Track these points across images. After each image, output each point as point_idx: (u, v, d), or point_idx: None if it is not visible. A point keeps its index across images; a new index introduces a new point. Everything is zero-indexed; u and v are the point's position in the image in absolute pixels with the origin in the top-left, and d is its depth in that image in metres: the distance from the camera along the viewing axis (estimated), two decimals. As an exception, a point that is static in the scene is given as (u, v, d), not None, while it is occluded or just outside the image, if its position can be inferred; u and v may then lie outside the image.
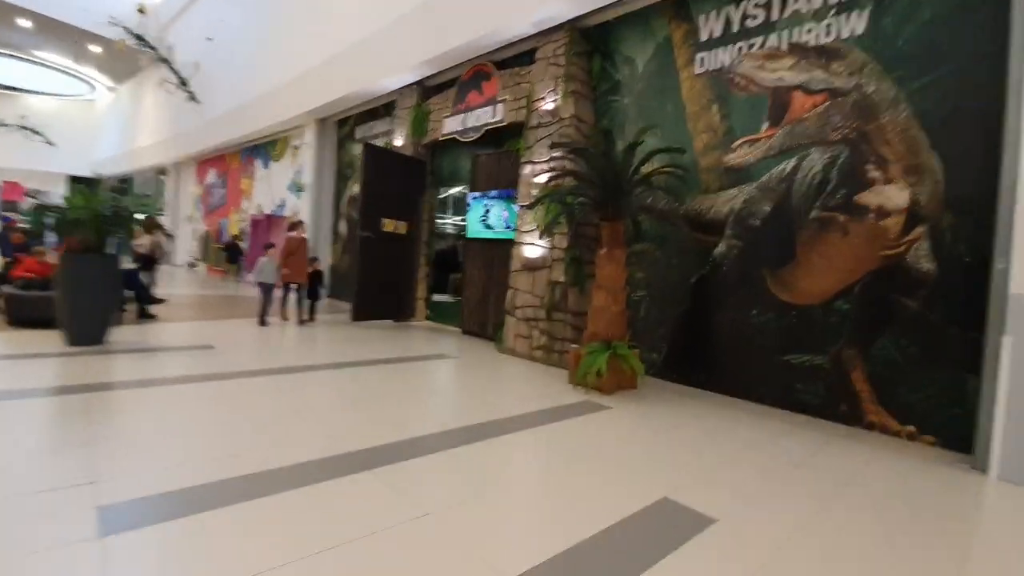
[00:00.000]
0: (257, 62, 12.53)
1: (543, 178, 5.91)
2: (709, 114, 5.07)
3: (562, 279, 5.56)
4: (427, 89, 8.41)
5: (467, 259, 7.42)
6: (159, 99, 18.92)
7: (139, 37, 15.62)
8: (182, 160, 18.81)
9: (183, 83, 15.38)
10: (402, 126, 8.56)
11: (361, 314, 7.47)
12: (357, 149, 10.53)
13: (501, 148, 7.02)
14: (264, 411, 3.44)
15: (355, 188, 10.53)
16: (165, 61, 15.68)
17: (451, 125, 7.66)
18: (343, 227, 11.05)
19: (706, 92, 5.11)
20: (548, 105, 5.95)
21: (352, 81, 9.03)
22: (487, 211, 7.00)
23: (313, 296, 7.81)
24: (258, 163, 14.61)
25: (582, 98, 5.89)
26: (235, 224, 15.80)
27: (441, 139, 7.86)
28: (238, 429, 3.07)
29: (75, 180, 25.32)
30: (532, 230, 5.95)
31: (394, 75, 8.22)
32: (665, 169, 4.62)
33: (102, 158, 25.13)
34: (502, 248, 6.81)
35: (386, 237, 7.71)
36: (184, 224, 19.45)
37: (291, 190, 12.47)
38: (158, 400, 3.53)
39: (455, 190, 8.87)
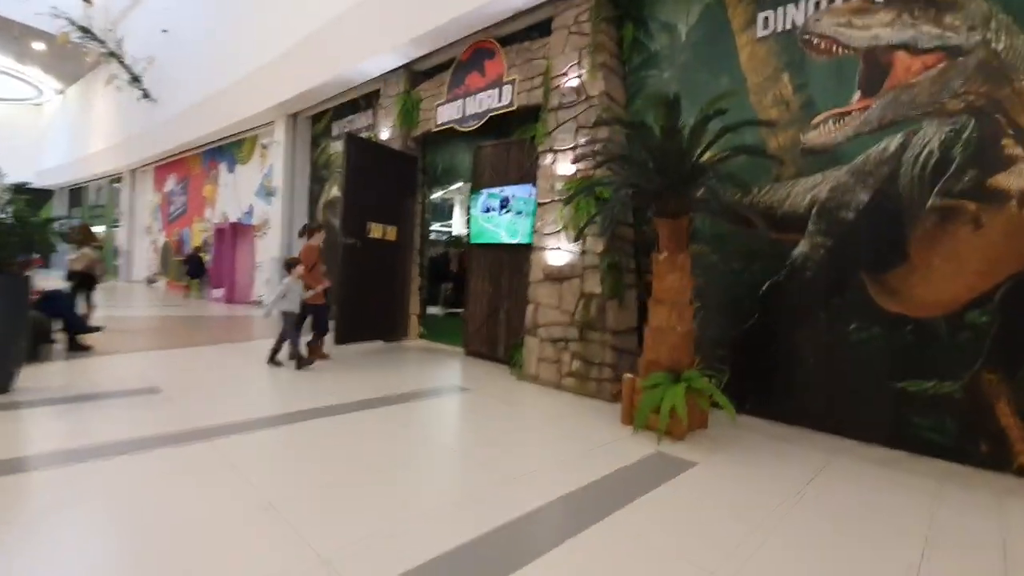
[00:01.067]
0: (219, 52, 11.24)
1: (568, 168, 4.90)
2: (778, 85, 4.15)
3: (598, 291, 4.56)
4: (416, 75, 7.35)
5: (470, 268, 6.36)
6: (110, 100, 17.33)
7: (84, 29, 14.11)
8: (138, 166, 17.22)
9: (135, 79, 13.92)
10: (388, 117, 7.46)
11: (345, 336, 6.32)
12: (335, 147, 9.40)
13: (508, 137, 6.00)
14: (216, 507, 2.31)
15: (333, 191, 9.38)
16: (114, 55, 14.19)
17: (447, 113, 6.61)
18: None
19: (773, 59, 4.19)
20: (571, 82, 4.96)
21: (327, 67, 7.89)
22: (494, 211, 5.95)
23: (325, 324, 5.81)
24: (222, 167, 13.26)
25: (612, 73, 4.92)
26: (198, 234, 14.38)
27: (435, 130, 6.79)
28: (174, 547, 1.95)
29: (18, 191, 23.23)
30: (557, 232, 4.94)
31: (377, 57, 7.13)
32: (743, 149, 3.66)
33: (50, 167, 23.16)
34: (515, 254, 5.78)
35: (373, 244, 6.60)
36: (142, 236, 17.82)
37: (260, 195, 11.20)
38: (54, 492, 2.37)
39: (453, 187, 7.80)
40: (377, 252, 6.68)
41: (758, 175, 4.14)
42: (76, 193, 25.29)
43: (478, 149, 6.25)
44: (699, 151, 3.55)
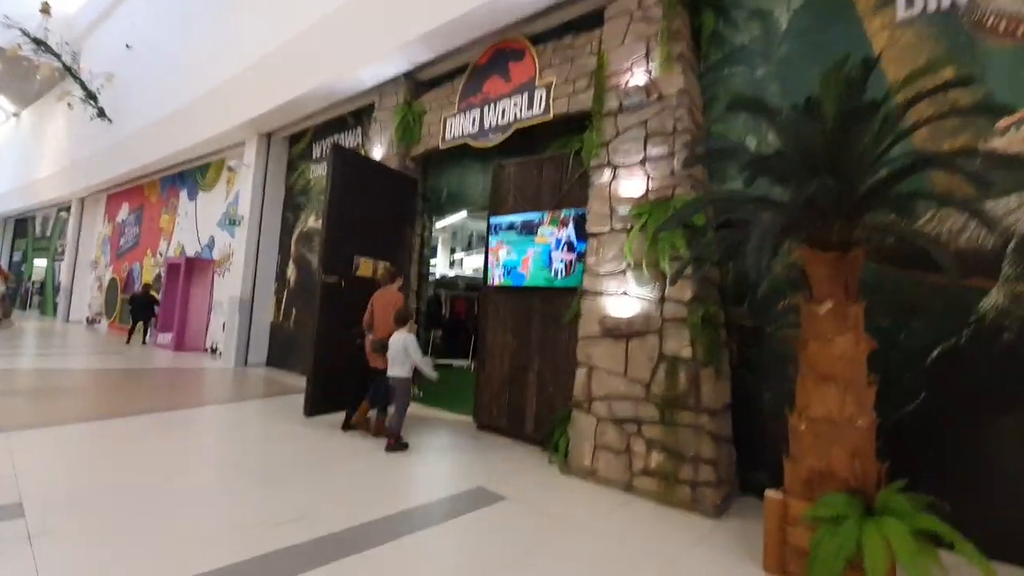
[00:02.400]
0: (185, 64, 9.97)
1: (635, 186, 3.70)
2: (936, 79, 3.08)
3: (686, 353, 3.26)
4: (418, 85, 6.20)
5: (485, 316, 5.00)
6: (62, 121, 15.77)
7: (39, 41, 12.72)
8: (88, 193, 15.49)
9: (90, 96, 12.47)
10: (383, 134, 6.24)
11: (320, 403, 4.81)
12: (315, 172, 8.09)
13: (537, 153, 4.81)
14: None
15: (310, 221, 8.00)
16: (68, 70, 12.77)
17: (459, 126, 5.43)
18: (291, 271, 8.38)
19: (926, 46, 3.14)
20: (637, 79, 3.83)
21: (309, 76, 6.69)
22: (521, 243, 4.68)
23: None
24: (183, 194, 11.76)
25: (689, 68, 3.82)
26: (150, 270, 12.65)
27: (442, 147, 5.58)
28: None
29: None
30: (620, 271, 3.67)
31: (373, 63, 5.97)
32: (958, 150, 2.51)
33: (-6, 194, 21.08)
34: (550, 299, 4.48)
35: (360, 285, 5.21)
36: (86, 271, 15.87)
37: (223, 225, 9.71)
38: None
39: (454, 218, 6.56)
40: (365, 294, 5.27)
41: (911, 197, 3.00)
42: (22, 224, 23.13)
43: (499, 169, 5.03)
44: (879, 152, 2.38)
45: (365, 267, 5.31)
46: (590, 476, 3.57)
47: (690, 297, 3.33)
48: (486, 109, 5.18)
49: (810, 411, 2.45)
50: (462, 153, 5.73)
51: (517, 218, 4.74)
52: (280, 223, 8.75)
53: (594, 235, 3.90)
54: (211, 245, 10.40)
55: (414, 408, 5.56)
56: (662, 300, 3.44)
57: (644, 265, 3.48)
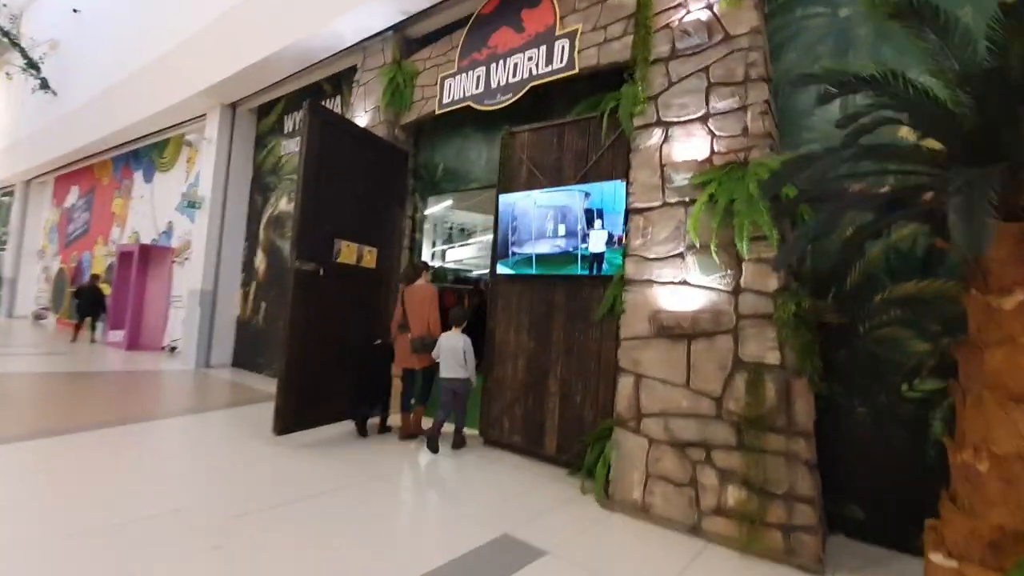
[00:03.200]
0: (138, 26, 8.84)
1: (696, 148, 2.95)
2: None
3: (773, 359, 2.54)
4: (409, 43, 5.35)
5: (496, 310, 4.21)
6: (3, 94, 14.28)
7: (-31, 4, 11.33)
8: (33, 175, 14.06)
9: (31, 65, 11.15)
10: (367, 99, 5.36)
11: (294, 417, 3.95)
12: (286, 148, 7.14)
13: (553, 118, 4.03)
14: None
15: (282, 204, 7.06)
16: (6, 35, 11.41)
17: (459, 88, 4.60)
18: (260, 261, 7.42)
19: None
20: (696, 14, 3.08)
21: (280, 33, 5.75)
22: (540, 223, 3.89)
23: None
24: (137, 176, 10.59)
25: (761, 4, 3.09)
26: (101, 260, 11.45)
27: (439, 112, 4.75)
28: None
29: None
30: (676, 254, 2.93)
31: (355, 14, 5.08)
32: None
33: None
34: (576, 290, 3.72)
35: (342, 274, 4.36)
36: (32, 261, 14.45)
37: (182, 209, 8.65)
38: None
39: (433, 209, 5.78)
40: (347, 285, 4.43)
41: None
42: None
43: (509, 137, 4.23)
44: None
45: (348, 252, 4.46)
46: (642, 513, 2.83)
47: (777, 287, 2.61)
48: (494, 66, 4.36)
49: (995, 446, 1.74)
50: (461, 121, 4.92)
51: (533, 196, 3.96)
52: (247, 206, 7.76)
53: (639, 211, 3.14)
54: (169, 232, 9.31)
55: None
56: (737, 291, 2.71)
57: (713, 247, 2.74)
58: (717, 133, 2.92)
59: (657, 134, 3.12)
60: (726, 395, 2.65)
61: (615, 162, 3.59)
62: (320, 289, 4.11)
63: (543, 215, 3.88)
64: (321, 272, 4.10)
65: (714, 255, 2.74)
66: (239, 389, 6.06)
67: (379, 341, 4.39)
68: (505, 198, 4.15)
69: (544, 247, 3.86)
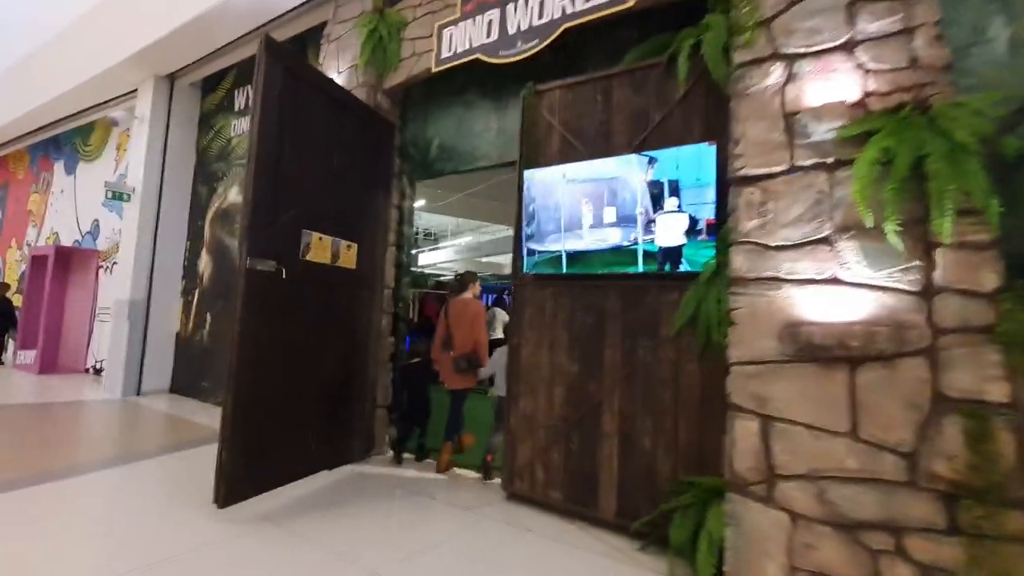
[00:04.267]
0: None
1: (844, 90, 2.05)
2: None
3: (1001, 395, 1.65)
4: (393, -10, 4.32)
5: (522, 322, 3.21)
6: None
7: None
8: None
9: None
10: (341, 58, 4.29)
11: (239, 482, 2.81)
12: (236, 128, 5.97)
13: (586, 72, 3.09)
14: None
15: (231, 196, 5.87)
16: None
17: (464, 37, 3.61)
18: (205, 264, 6.16)
19: None
20: (827, -96, 2.19)
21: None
22: (592, 208, 2.93)
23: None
24: (58, 167, 9.04)
25: None
26: (14, 266, 9.78)
27: (438, 69, 3.73)
28: None
29: None
30: (817, 240, 2.02)
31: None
32: None
33: None
34: (640, 295, 2.77)
35: (312, 274, 3.27)
36: (-66, 269, 12.42)
37: (108, 204, 7.24)
38: None
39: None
40: (320, 291, 3.34)
41: None
42: None
43: (534, 97, 3.26)
44: None
45: (320, 248, 3.36)
46: (787, 629, 1.88)
47: (996, 285, 1.73)
48: (511, 7, 3.39)
49: None
50: (463, 85, 3.94)
51: (572, 169, 2.99)
52: (190, 198, 6.48)
53: (752, 180, 2.21)
54: (95, 232, 7.86)
55: (385, 464, 3.69)
56: (929, 291, 1.81)
57: (888, 229, 1.84)
58: (871, 66, 2.03)
59: (776, 72, 2.21)
60: (925, 450, 1.75)
61: (690, 121, 2.68)
62: (282, 296, 3.01)
63: (578, 196, 2.92)
64: (283, 273, 3.00)
65: (892, 240, 1.84)
66: (177, 425, 4.81)
67: (418, 359, 4.00)
68: (531, 174, 3.16)
69: (583, 241, 2.90)
